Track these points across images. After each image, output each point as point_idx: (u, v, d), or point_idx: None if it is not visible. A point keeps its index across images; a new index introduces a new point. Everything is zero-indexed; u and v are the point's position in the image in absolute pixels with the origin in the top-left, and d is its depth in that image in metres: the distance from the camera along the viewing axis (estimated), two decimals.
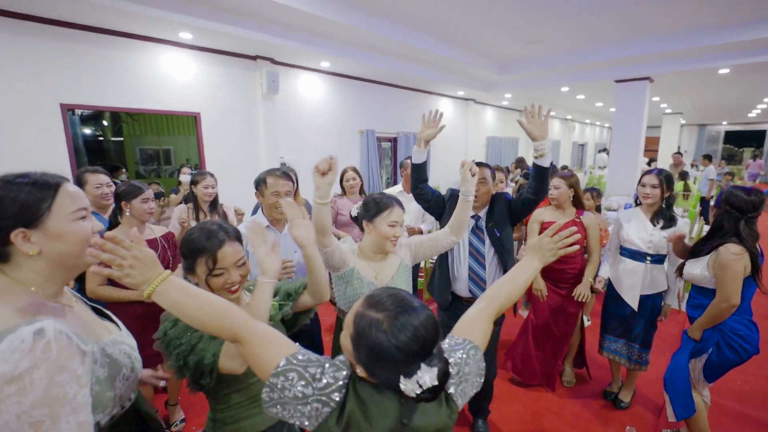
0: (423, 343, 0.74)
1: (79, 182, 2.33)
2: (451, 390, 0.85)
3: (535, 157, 1.91)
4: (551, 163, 1.99)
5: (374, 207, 1.58)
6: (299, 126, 5.65)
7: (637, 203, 2.36)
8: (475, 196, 1.97)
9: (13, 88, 3.39)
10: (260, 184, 1.90)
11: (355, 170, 3.26)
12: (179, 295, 0.84)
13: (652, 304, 2.32)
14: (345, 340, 0.81)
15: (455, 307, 2.17)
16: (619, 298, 2.39)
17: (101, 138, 10.98)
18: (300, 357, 0.81)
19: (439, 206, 2.17)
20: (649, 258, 2.24)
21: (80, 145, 9.05)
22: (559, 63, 6.35)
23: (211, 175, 2.83)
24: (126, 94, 4.04)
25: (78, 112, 9.54)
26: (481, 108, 9.82)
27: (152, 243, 2.14)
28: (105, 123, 10.76)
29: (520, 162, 7.39)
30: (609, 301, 2.49)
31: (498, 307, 1.06)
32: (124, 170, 8.54)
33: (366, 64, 5.58)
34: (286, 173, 1.95)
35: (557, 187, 2.44)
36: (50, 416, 0.67)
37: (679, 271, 2.06)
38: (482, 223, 2.12)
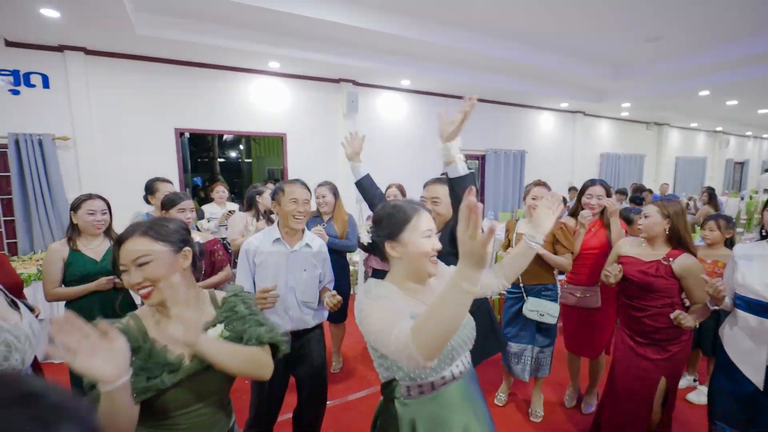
0: None
1: (152, 190, 2.67)
2: None
3: (445, 164, 1.53)
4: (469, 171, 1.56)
5: (395, 219, 1.12)
6: (378, 143, 5.71)
7: (763, 236, 1.66)
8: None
9: (139, 117, 4.17)
10: (277, 192, 1.86)
11: (399, 188, 3.09)
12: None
13: None
14: None
15: None
16: (735, 370, 1.68)
17: (239, 160, 13.02)
18: None
19: None
20: None
21: (195, 166, 10.82)
22: (691, 61, 5.20)
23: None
24: (224, 118, 4.62)
25: (225, 137, 11.55)
26: (593, 121, 8.65)
27: None
28: (241, 147, 12.75)
29: (638, 189, 6.18)
30: (720, 371, 1.78)
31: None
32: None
33: (449, 80, 5.41)
34: (305, 183, 1.90)
35: (648, 215, 1.88)
36: None
37: None
38: None
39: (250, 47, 3.99)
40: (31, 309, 1.97)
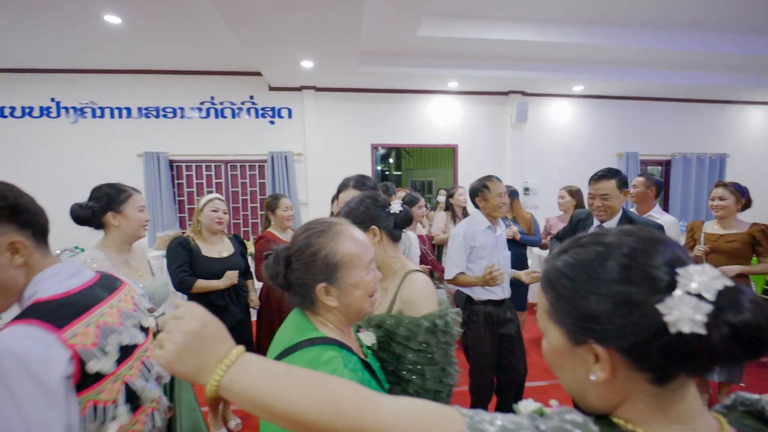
0: None
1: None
2: None
3: None
4: None
5: None
6: (545, 151, 5.77)
7: None
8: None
9: (346, 136, 5.26)
10: (481, 189, 2.27)
11: (573, 191, 3.29)
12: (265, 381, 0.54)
13: None
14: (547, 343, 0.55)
15: None
16: None
17: (387, 172, 14.53)
18: (477, 416, 0.49)
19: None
20: None
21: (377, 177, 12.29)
22: None
23: (463, 188, 3.64)
24: (407, 133, 5.43)
25: (380, 151, 13.13)
26: None
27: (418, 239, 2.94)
28: (391, 160, 14.19)
29: None
30: None
31: None
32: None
33: (628, 83, 5.16)
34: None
35: None
36: None
37: None
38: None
39: (437, 72, 4.64)
40: None
